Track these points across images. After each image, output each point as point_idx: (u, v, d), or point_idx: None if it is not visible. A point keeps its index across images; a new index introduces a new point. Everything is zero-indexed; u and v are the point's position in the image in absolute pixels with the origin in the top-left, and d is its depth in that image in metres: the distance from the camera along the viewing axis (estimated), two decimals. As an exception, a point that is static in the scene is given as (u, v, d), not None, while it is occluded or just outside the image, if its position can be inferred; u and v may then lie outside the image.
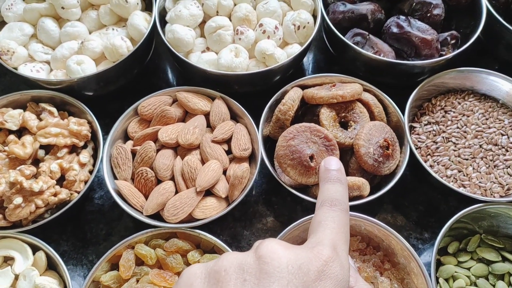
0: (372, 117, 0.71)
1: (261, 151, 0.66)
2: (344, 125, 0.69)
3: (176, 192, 0.65)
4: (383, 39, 0.77)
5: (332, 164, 0.42)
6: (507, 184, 0.67)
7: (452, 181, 0.68)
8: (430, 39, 0.73)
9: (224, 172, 0.67)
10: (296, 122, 0.70)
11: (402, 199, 0.72)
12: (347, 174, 0.68)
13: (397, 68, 0.73)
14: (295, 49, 0.74)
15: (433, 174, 0.65)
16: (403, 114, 0.69)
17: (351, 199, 0.64)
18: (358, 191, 0.64)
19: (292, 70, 0.78)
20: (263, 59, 0.72)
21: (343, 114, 0.69)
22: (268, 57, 0.72)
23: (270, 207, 0.72)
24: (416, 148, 0.71)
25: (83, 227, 0.69)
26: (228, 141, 0.69)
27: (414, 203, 0.72)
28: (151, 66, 0.84)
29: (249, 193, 0.72)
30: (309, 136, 0.64)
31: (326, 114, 0.67)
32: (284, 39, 0.76)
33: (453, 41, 0.77)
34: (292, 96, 0.68)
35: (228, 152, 0.69)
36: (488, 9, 0.76)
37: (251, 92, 0.77)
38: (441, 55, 0.75)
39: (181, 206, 0.62)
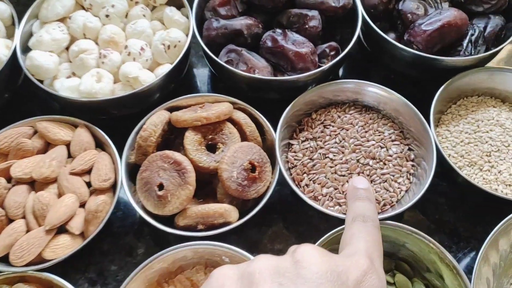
0: (245, 137, 0.68)
1: (121, 181, 0.63)
2: (214, 147, 0.66)
3: (28, 231, 0.61)
4: (261, 54, 0.74)
5: (360, 183, 0.43)
6: (383, 200, 0.65)
7: (328, 200, 0.66)
8: (304, 53, 0.71)
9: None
10: (167, 147, 0.67)
11: (283, 222, 0.70)
12: (215, 199, 0.65)
13: (270, 84, 0.71)
14: (166, 69, 0.71)
15: (302, 195, 0.62)
16: (275, 131, 0.67)
17: (218, 226, 0.61)
18: (223, 218, 0.61)
19: (170, 90, 0.75)
20: (128, 82, 0.69)
21: (211, 136, 0.66)
22: (132, 80, 0.68)
23: (142, 238, 0.68)
24: (292, 167, 0.69)
25: None
26: (90, 172, 0.66)
27: (294, 224, 0.69)
28: (24, 93, 0.80)
29: (120, 224, 0.69)
30: (160, 164, 0.61)
31: (190, 138, 0.64)
32: (155, 59, 0.73)
33: (332, 53, 0.75)
34: (154, 121, 0.65)
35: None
36: (364, 19, 0.75)
37: (132, 114, 0.74)
38: (320, 67, 0.73)
39: (27, 247, 0.58)
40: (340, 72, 0.85)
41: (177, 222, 0.61)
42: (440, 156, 0.66)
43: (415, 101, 0.70)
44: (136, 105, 0.73)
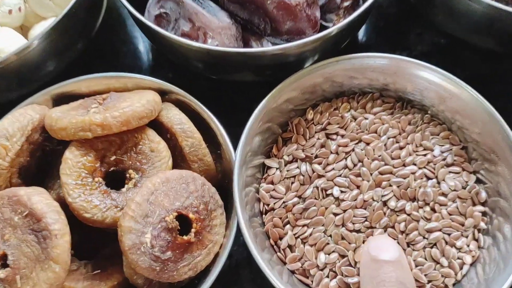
0: (181, 157, 0.38)
1: None
2: (121, 177, 0.37)
3: None
4: (221, 4, 0.43)
5: (384, 250, 0.28)
6: (430, 282, 0.36)
7: (328, 277, 0.37)
8: (294, 4, 0.40)
9: None
10: (41, 173, 0.39)
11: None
12: (122, 271, 0.36)
13: (233, 60, 0.40)
14: (47, 27, 0.41)
15: (272, 278, 0.33)
16: (235, 149, 0.37)
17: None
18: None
19: (76, 56, 0.46)
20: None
21: (114, 158, 0.36)
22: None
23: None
24: (266, 211, 0.39)
25: None
26: None
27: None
28: None
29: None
30: (7, 215, 0.32)
31: (71, 163, 0.35)
32: (33, 9, 0.43)
33: (347, 3, 0.44)
34: (4, 131, 0.35)
35: None
36: None
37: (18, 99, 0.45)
38: (324, 28, 0.42)
39: None
40: (360, 35, 0.53)
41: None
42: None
43: (487, 91, 0.40)
44: (12, 87, 0.44)
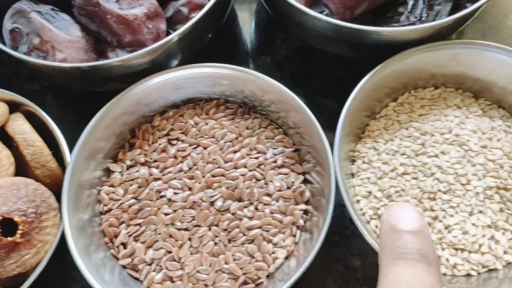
0: (26, 166, 0.43)
1: None
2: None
3: None
4: (77, 17, 0.47)
5: (404, 218, 0.27)
6: (244, 274, 0.41)
7: (155, 271, 0.42)
8: (132, 18, 0.44)
9: None
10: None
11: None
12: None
13: (87, 74, 0.45)
14: None
15: (88, 276, 0.38)
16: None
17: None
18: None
19: None
20: None
21: (-44, 166, 0.41)
22: None
23: None
24: (106, 212, 0.44)
25: None
26: None
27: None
28: None
29: None
30: None
31: None
32: None
33: (194, 14, 0.48)
34: None
35: None
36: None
37: None
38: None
39: None
40: (231, 41, 0.57)
41: None
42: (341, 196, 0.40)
43: (342, 94, 0.44)
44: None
